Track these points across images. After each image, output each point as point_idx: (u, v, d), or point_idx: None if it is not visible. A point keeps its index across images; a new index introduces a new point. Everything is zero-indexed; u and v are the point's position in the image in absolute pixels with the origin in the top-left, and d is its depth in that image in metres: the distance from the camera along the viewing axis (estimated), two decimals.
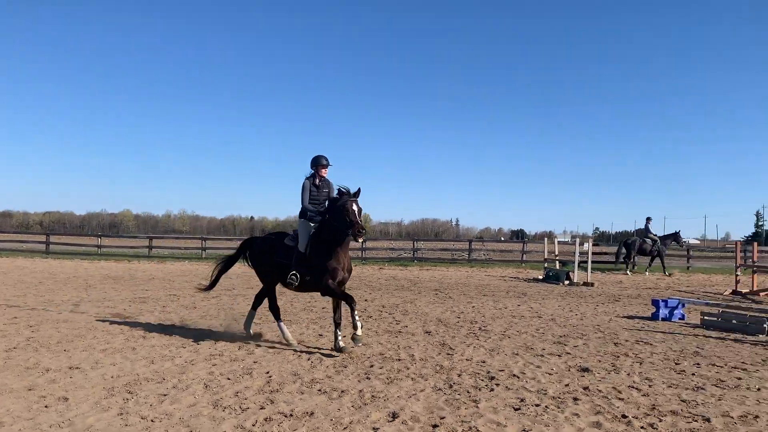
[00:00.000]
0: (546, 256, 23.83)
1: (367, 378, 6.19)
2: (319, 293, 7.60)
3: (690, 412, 5.20)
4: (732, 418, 5.10)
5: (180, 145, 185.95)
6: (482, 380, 6.21)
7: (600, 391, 5.86)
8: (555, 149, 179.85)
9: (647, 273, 23.51)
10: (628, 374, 6.62)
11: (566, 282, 18.60)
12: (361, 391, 5.70)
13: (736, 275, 17.48)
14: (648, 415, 5.10)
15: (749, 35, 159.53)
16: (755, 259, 20.22)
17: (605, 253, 29.97)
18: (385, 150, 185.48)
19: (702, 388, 6.08)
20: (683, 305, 11.43)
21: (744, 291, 16.76)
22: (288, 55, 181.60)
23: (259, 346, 7.81)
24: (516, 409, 5.18)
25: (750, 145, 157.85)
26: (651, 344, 8.45)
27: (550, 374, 6.55)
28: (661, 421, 4.94)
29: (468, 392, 5.70)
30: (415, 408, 5.18)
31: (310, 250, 7.51)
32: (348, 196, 7.27)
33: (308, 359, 7.06)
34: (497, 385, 6.02)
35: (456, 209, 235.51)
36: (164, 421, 4.79)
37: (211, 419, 4.84)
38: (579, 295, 15.38)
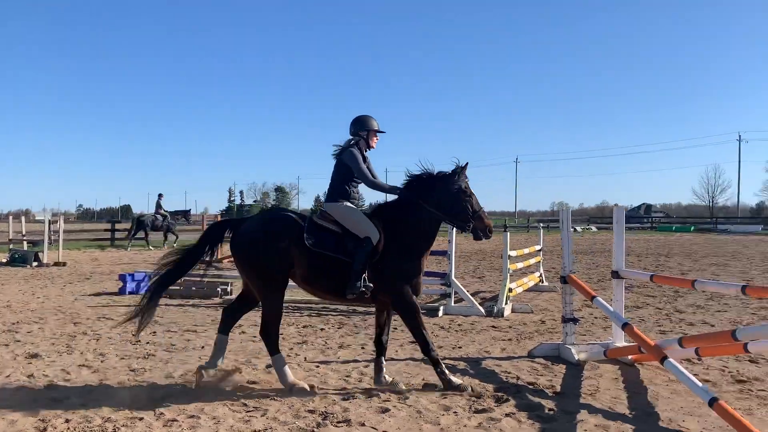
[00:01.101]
0: (11, 237, 21.44)
1: None
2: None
3: (136, 380, 5.41)
4: (174, 378, 5.50)
5: None
6: None
7: (46, 375, 5.51)
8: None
9: (165, 246, 23.43)
10: (82, 353, 6.45)
11: (35, 264, 17.08)
12: None
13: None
14: (97, 389, 5.05)
15: None
16: None
17: (87, 231, 29.01)
18: None
19: (153, 355, 6.39)
20: (150, 278, 11.84)
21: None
22: None
23: None
24: None
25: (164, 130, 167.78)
26: (113, 319, 8.44)
27: None
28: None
29: None
30: None
31: (385, 245, 5.09)
32: (463, 173, 5.19)
33: None
34: None
35: None
36: None
37: None
38: (48, 277, 14.32)
